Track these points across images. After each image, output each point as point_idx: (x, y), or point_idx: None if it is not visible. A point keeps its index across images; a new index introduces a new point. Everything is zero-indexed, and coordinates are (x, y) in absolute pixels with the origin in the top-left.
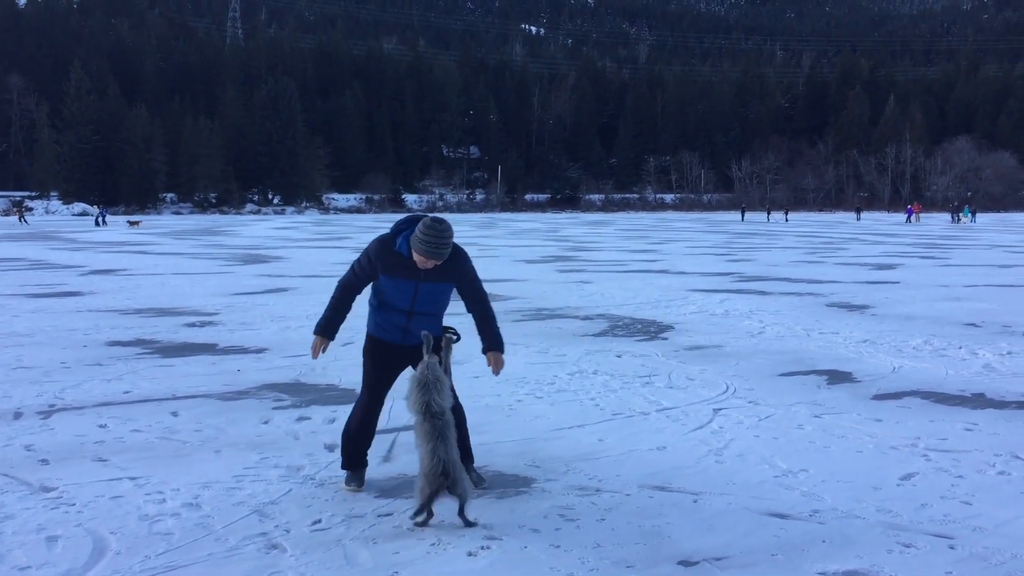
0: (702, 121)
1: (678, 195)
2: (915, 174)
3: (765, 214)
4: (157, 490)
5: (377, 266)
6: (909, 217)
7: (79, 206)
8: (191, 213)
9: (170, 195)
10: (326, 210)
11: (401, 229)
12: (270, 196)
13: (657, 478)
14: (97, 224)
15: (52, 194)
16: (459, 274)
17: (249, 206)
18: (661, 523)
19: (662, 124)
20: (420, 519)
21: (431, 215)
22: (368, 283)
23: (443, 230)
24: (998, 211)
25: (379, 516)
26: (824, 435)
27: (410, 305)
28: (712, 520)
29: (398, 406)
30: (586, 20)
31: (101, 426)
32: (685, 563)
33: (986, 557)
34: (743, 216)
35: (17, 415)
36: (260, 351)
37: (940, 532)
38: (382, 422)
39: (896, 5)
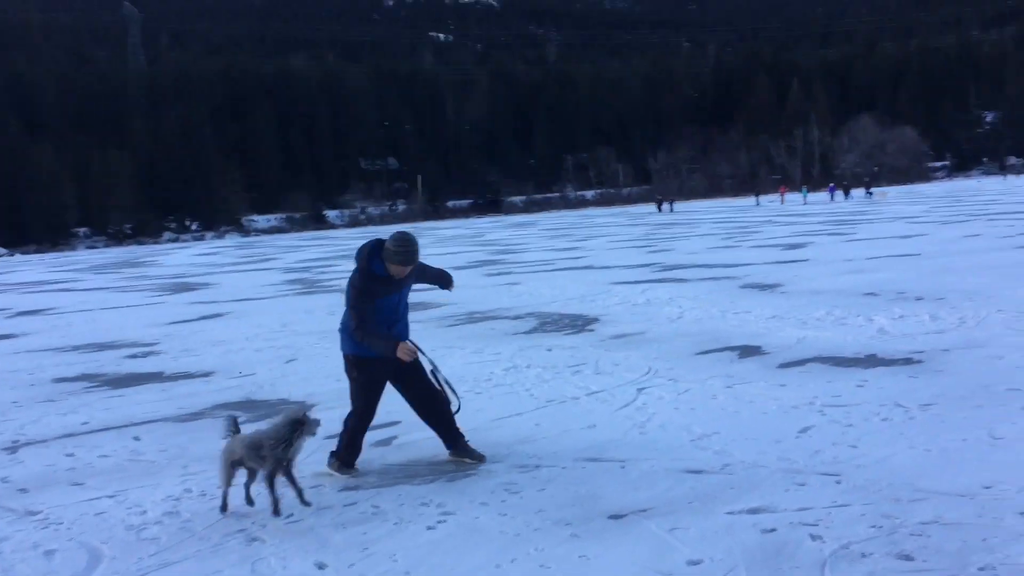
0: (616, 117)
1: (598, 191)
2: (824, 153)
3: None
4: (136, 504)
5: (373, 293)
6: (791, 197)
7: None
8: (106, 246)
9: (83, 229)
10: (247, 233)
11: (373, 256)
12: (187, 223)
13: (589, 452)
14: None
15: None
16: (417, 268)
17: (167, 234)
18: (594, 487)
19: (577, 122)
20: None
21: (393, 232)
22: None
23: (410, 239)
24: (904, 183)
25: (345, 506)
26: (735, 402)
27: (396, 315)
28: (637, 481)
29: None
30: (492, 24)
31: (68, 455)
32: (615, 517)
33: (866, 487)
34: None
35: None
36: (207, 374)
37: (829, 471)
38: (335, 427)
39: None
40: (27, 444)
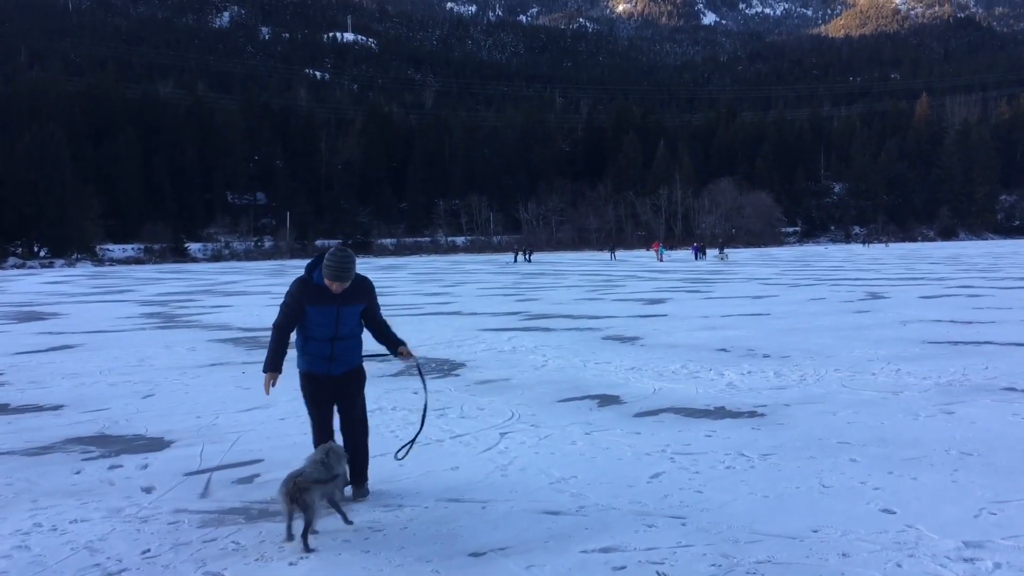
0: (489, 165)
1: (469, 237)
2: (686, 213)
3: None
4: None
5: (302, 300)
6: (659, 255)
7: None
8: None
9: None
10: (100, 262)
11: (315, 266)
12: (36, 249)
13: (451, 492)
14: None
15: None
16: (368, 298)
17: (12, 260)
18: (455, 527)
19: (450, 168)
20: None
21: (335, 246)
22: (298, 320)
23: (344, 256)
24: (758, 246)
25: (204, 542)
26: (592, 448)
27: (334, 330)
28: (497, 521)
29: (208, 450)
30: (371, 66)
31: None
32: (475, 555)
33: (708, 529)
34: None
35: None
36: (57, 408)
37: (676, 514)
38: (195, 464)
39: (662, 56)
40: None
